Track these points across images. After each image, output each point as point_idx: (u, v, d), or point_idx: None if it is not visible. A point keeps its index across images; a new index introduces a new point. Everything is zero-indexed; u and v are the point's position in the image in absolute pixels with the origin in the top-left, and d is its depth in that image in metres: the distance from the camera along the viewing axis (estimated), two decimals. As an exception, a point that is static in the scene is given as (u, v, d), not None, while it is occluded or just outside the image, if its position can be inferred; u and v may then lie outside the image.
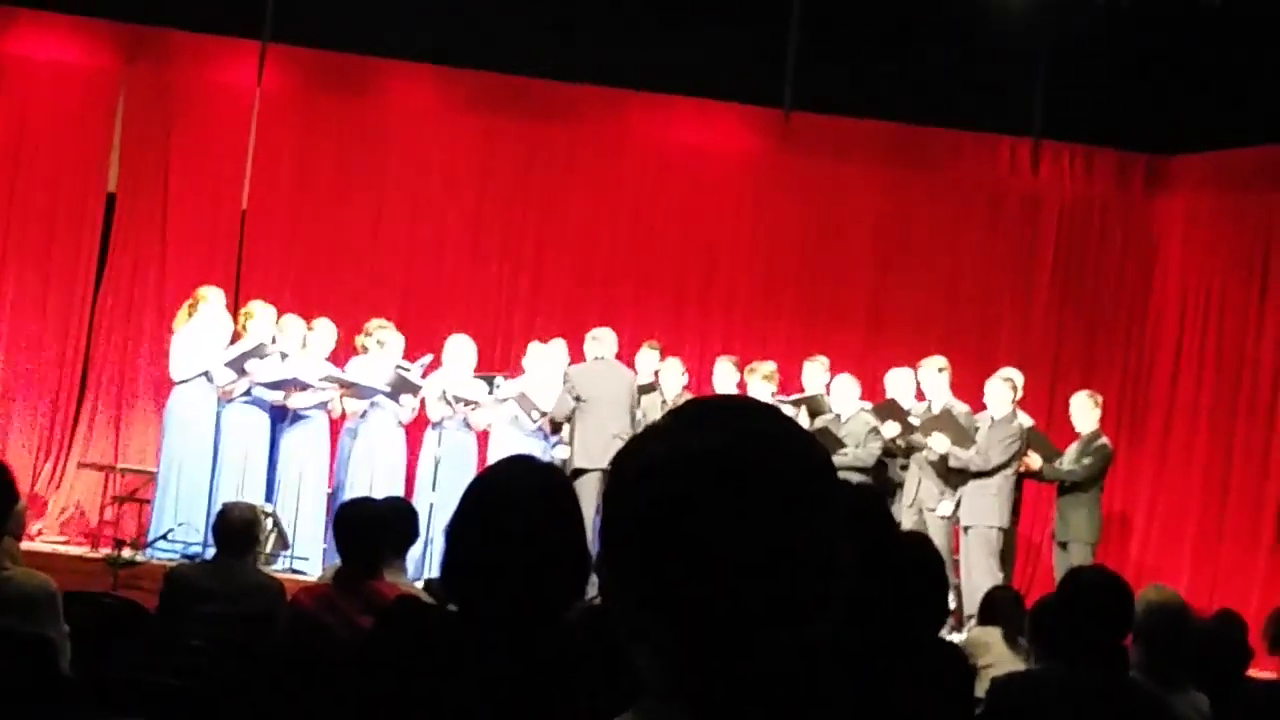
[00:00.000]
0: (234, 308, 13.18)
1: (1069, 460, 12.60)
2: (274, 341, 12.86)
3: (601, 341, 12.96)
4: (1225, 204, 15.21)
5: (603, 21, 15.10)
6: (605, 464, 10.98)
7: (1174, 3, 13.98)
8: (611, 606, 1.66)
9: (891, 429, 12.76)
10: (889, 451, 12.94)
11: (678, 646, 1.60)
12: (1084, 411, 12.71)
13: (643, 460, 1.66)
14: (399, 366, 12.99)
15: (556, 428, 13.22)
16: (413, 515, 7.60)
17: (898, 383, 13.24)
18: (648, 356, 13.50)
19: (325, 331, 13.17)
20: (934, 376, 12.97)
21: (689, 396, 12.92)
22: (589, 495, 10.98)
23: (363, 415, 13.05)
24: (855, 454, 12.75)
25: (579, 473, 12.12)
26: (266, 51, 14.97)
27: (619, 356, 13.20)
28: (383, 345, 13.10)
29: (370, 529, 6.71)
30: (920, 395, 13.14)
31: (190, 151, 14.96)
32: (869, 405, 13.02)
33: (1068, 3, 14.53)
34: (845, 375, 13.28)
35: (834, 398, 13.20)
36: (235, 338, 12.79)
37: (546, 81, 15.34)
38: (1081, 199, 15.85)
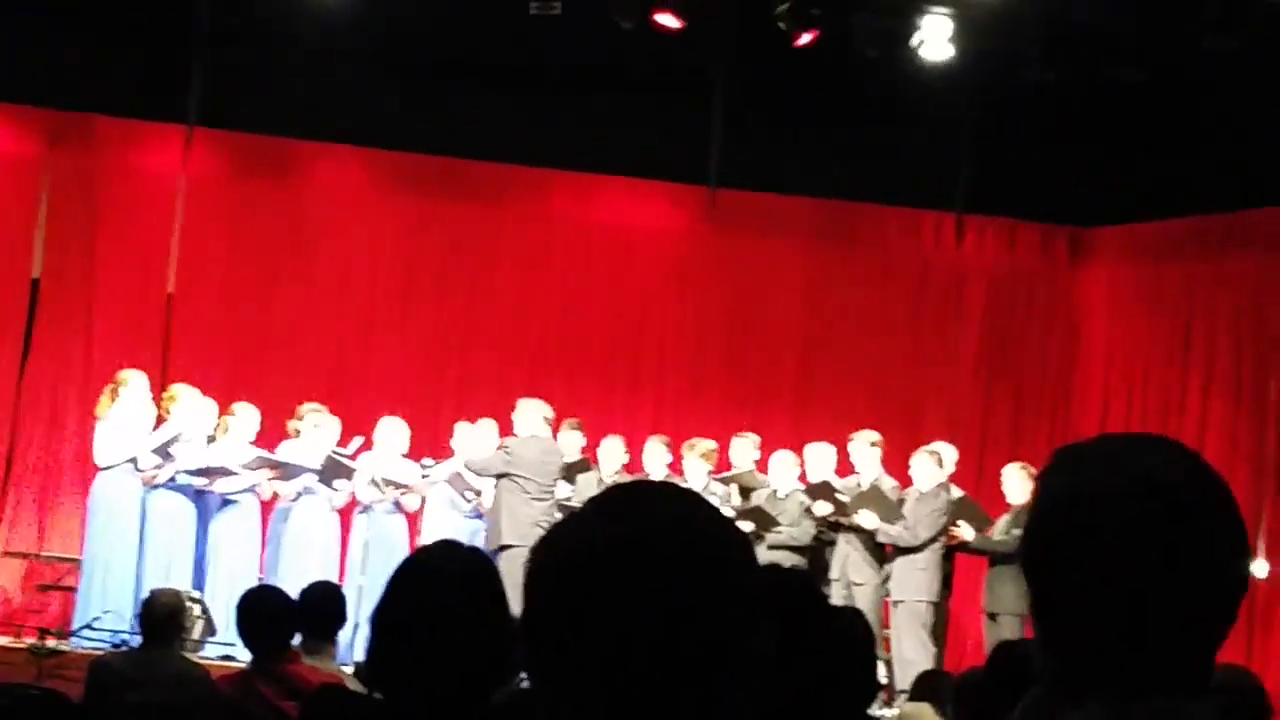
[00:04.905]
0: (160, 393, 13.09)
1: (999, 532, 12.65)
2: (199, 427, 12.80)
3: (528, 415, 12.86)
4: (1148, 275, 15.40)
5: (527, 101, 15.17)
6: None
7: (1094, 78, 14.16)
8: (535, 692, 1.66)
9: (823, 508, 12.77)
10: (821, 531, 12.94)
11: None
12: (1017, 483, 12.74)
13: (560, 551, 1.67)
14: (333, 451, 12.93)
15: (475, 470, 13.07)
16: (340, 598, 7.55)
17: (818, 457, 13.22)
18: (568, 436, 13.45)
19: (248, 416, 13.10)
20: (866, 451, 13.01)
21: (625, 476, 12.94)
22: (516, 572, 10.90)
23: (295, 499, 12.98)
24: (790, 532, 12.77)
25: (506, 548, 12.02)
26: (192, 135, 14.96)
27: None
28: (317, 428, 13.06)
29: (267, 615, 6.69)
30: (846, 469, 13.16)
31: (116, 236, 14.88)
32: (802, 487, 13.02)
33: (990, 78, 14.70)
34: (784, 452, 13.29)
35: (771, 475, 13.21)
36: (159, 422, 12.70)
37: (471, 162, 15.39)
38: (1005, 272, 16.01)
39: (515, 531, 12.15)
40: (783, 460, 13.22)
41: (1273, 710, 5.69)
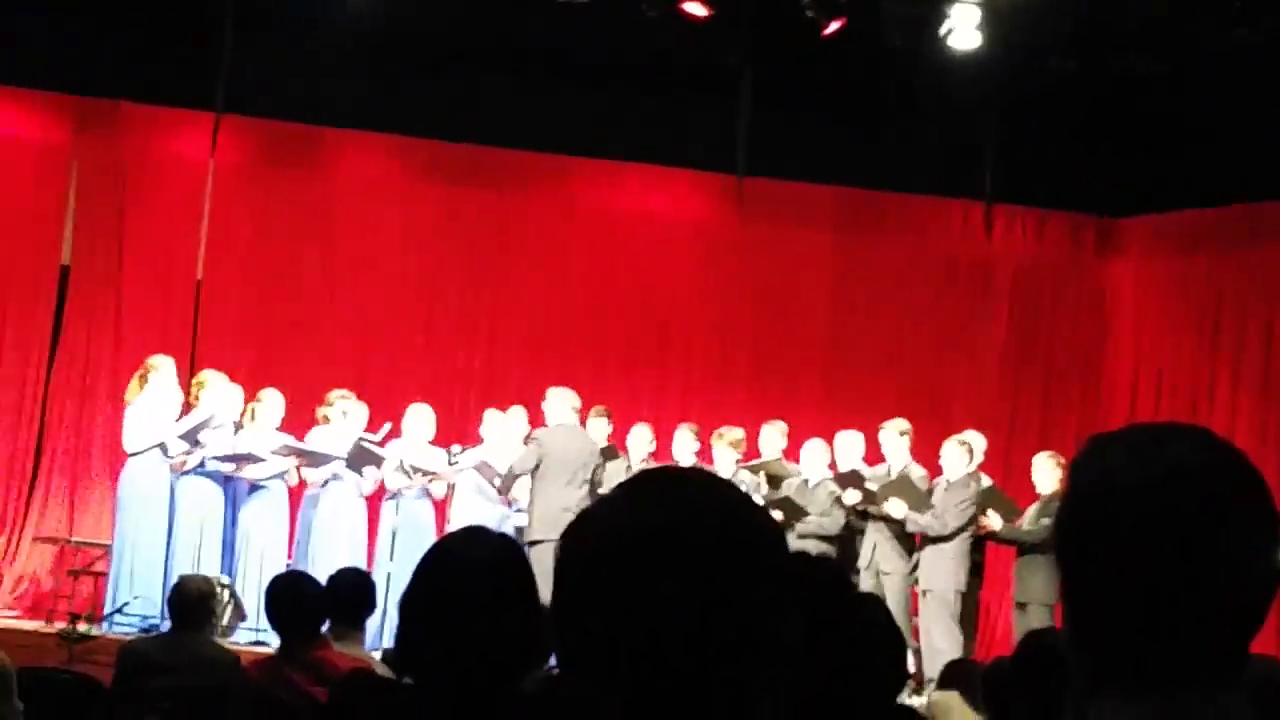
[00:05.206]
0: (189, 380, 13.12)
1: (1028, 521, 12.60)
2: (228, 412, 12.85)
3: (557, 405, 12.87)
4: (1176, 265, 15.35)
5: (555, 89, 15.17)
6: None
7: (1122, 67, 14.11)
8: (565, 679, 1.66)
9: (852, 496, 12.75)
10: (850, 520, 12.91)
11: (627, 715, 1.60)
12: (1046, 472, 12.69)
13: (590, 537, 1.67)
14: (361, 438, 12.94)
15: (508, 485, 13.10)
16: (368, 585, 7.56)
17: (848, 445, 13.21)
18: (595, 423, 13.44)
19: (274, 402, 13.12)
20: (895, 439, 12.98)
21: (653, 464, 12.94)
22: (546, 565, 10.87)
23: (324, 485, 13.00)
24: (820, 522, 12.74)
25: (536, 543, 12.02)
26: (220, 123, 14.99)
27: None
28: (346, 415, 13.10)
29: (297, 601, 6.71)
30: (874, 457, 13.15)
31: (144, 223, 14.93)
32: (831, 475, 13.00)
33: (1018, 67, 14.66)
34: (815, 440, 13.26)
35: (802, 464, 13.18)
36: (187, 408, 12.74)
37: (499, 150, 15.39)
38: (1033, 261, 15.97)
39: (543, 526, 12.09)
40: (813, 449, 13.18)
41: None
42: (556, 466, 12.44)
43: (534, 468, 12.56)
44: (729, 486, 1.71)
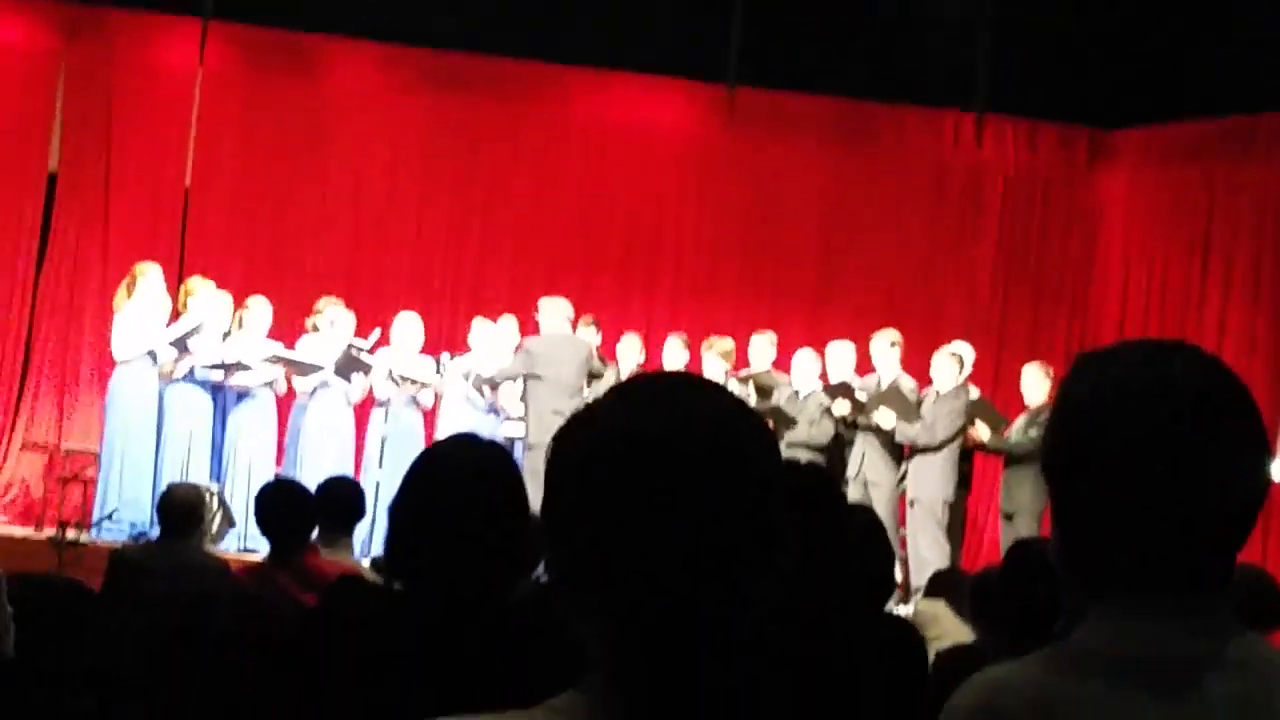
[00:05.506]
0: (177, 287, 13.08)
1: (1016, 432, 12.64)
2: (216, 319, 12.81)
3: (550, 314, 12.88)
4: (1167, 177, 15.31)
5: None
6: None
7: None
8: (555, 586, 1.66)
9: (842, 407, 12.76)
10: (840, 430, 12.94)
11: (617, 626, 1.60)
12: (1035, 383, 12.71)
13: (580, 442, 1.65)
14: (351, 345, 12.92)
15: (492, 389, 13.15)
16: (358, 493, 7.58)
17: (838, 356, 13.21)
18: (583, 333, 13.41)
19: (262, 310, 13.08)
20: (886, 350, 12.98)
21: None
22: (542, 471, 10.89)
23: (312, 393, 12.99)
24: (809, 432, 12.76)
25: (533, 448, 12.06)
26: (208, 29, 14.87)
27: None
28: (334, 324, 13.06)
29: (286, 508, 6.75)
30: (865, 368, 13.15)
31: (132, 130, 14.85)
32: (821, 386, 13.00)
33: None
34: (806, 350, 13.25)
35: (793, 374, 13.18)
36: (175, 315, 12.71)
37: (490, 58, 15.29)
38: (1025, 172, 15.93)
39: (540, 430, 12.14)
40: (804, 359, 13.18)
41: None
42: (549, 374, 12.46)
43: (521, 375, 12.58)
44: (722, 392, 1.70)
